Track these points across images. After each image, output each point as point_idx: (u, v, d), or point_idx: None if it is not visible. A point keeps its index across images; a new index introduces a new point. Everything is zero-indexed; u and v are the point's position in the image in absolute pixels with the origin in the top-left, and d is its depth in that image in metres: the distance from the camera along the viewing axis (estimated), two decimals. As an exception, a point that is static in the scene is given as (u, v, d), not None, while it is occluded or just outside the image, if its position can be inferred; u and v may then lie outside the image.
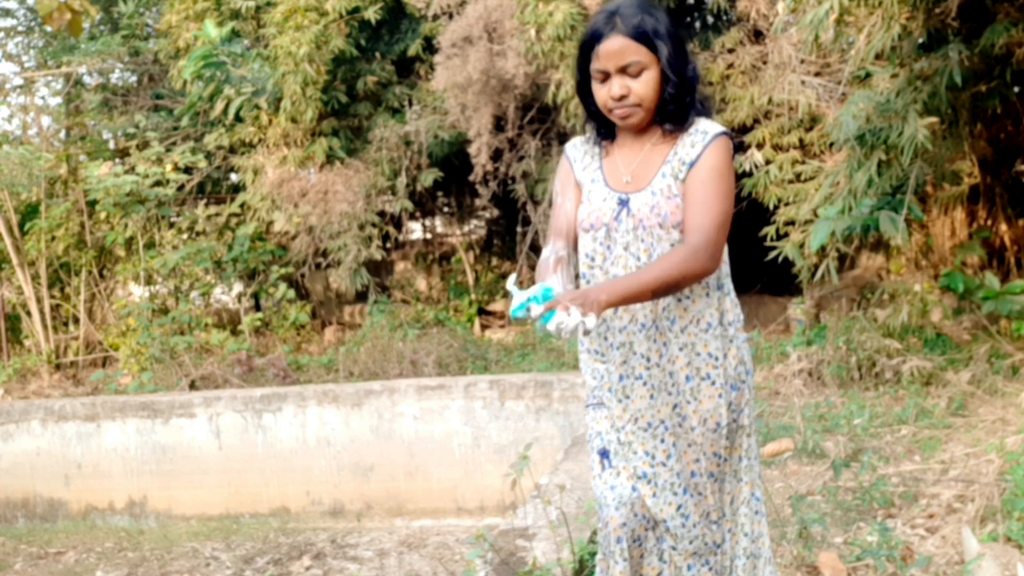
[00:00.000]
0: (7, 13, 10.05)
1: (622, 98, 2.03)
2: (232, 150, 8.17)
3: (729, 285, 2.16)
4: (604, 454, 2.16)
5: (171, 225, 8.51)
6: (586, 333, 1.87)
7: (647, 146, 2.11)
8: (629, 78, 2.02)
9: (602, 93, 2.06)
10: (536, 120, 7.46)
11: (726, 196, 2.03)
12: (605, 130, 2.17)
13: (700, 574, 2.16)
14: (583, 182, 2.18)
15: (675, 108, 2.06)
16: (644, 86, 2.02)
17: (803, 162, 6.10)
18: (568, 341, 1.92)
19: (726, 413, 2.12)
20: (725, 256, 2.15)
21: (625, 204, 2.09)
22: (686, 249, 1.97)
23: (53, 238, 8.38)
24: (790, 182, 6.10)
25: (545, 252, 2.17)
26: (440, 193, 9.93)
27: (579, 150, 2.22)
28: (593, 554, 2.85)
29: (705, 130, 2.06)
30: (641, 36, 2.00)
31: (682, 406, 2.12)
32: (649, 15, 2.02)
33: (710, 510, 2.16)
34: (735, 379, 2.14)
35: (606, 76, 2.04)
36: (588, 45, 2.06)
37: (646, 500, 2.11)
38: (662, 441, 2.12)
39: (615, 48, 2.01)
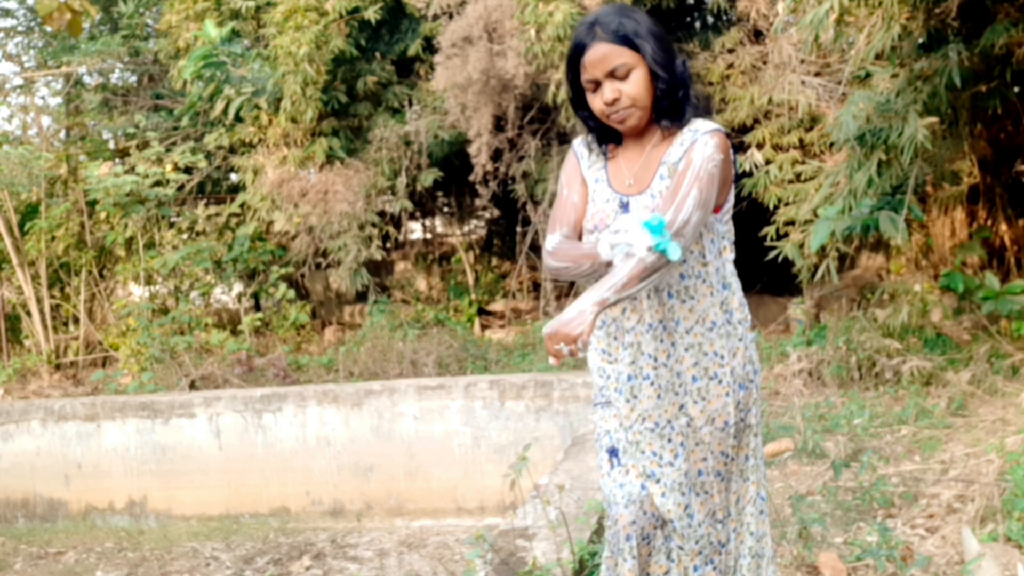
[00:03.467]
0: (7, 13, 10.05)
1: (615, 101, 2.05)
2: (232, 150, 8.17)
3: (736, 284, 2.17)
4: (613, 452, 2.17)
5: (171, 225, 8.51)
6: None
7: (648, 148, 2.12)
8: (618, 81, 2.04)
9: (596, 102, 2.08)
10: (536, 120, 7.46)
11: (709, 180, 1.99)
12: (610, 138, 2.17)
13: (705, 574, 2.16)
14: (589, 180, 2.19)
15: (669, 104, 2.07)
16: (634, 86, 2.04)
17: (803, 162, 6.10)
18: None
19: (734, 412, 2.13)
20: (729, 256, 2.15)
21: (626, 207, 2.10)
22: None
23: (53, 238, 8.38)
24: (790, 182, 6.10)
25: (554, 239, 2.13)
26: (440, 193, 9.93)
27: (586, 147, 2.23)
28: (593, 554, 2.85)
29: (696, 128, 2.08)
30: (622, 39, 2.03)
31: (689, 406, 2.12)
32: (628, 17, 2.05)
33: (716, 509, 2.16)
34: (743, 378, 2.14)
35: (597, 85, 2.06)
36: (574, 58, 2.08)
37: (655, 499, 2.12)
38: (669, 441, 2.12)
39: (600, 55, 2.03)
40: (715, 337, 2.11)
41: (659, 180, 2.08)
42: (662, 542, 2.15)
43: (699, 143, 2.04)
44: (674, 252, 1.88)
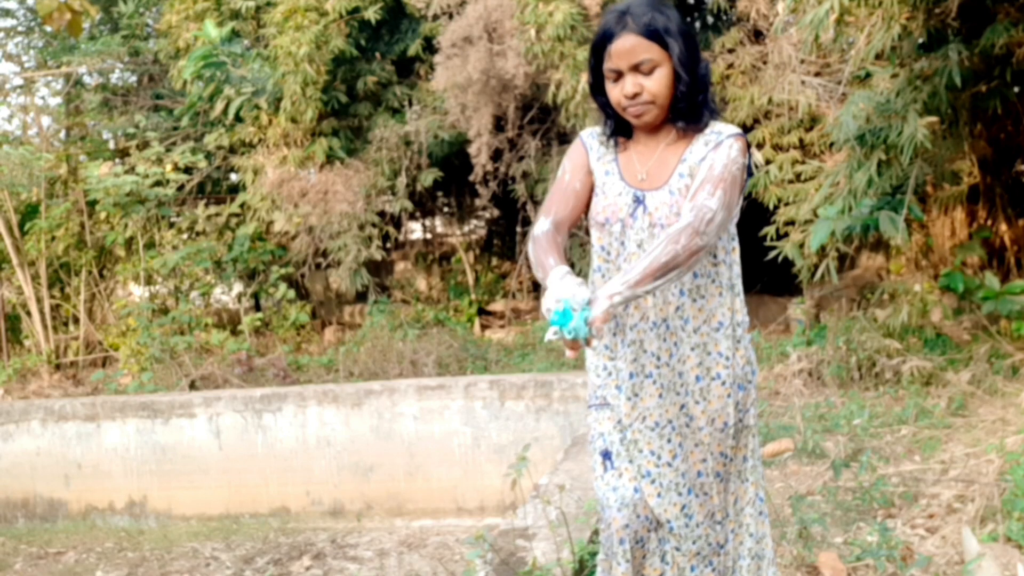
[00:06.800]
0: (7, 13, 10.05)
1: (635, 96, 2.02)
2: (232, 150, 8.17)
3: (740, 286, 2.17)
4: (606, 455, 2.15)
5: (171, 225, 8.51)
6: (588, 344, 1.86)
7: (662, 145, 2.11)
8: (642, 76, 2.02)
9: (615, 92, 2.06)
10: (536, 120, 7.46)
11: (733, 183, 2.01)
12: (621, 130, 2.16)
13: (703, 575, 2.16)
14: (597, 172, 2.17)
15: (687, 106, 2.06)
16: (657, 83, 2.02)
17: (803, 162, 6.10)
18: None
19: (733, 413, 2.12)
20: (736, 257, 2.15)
21: (641, 202, 2.08)
22: (688, 225, 1.92)
23: (53, 238, 8.38)
24: (790, 182, 6.10)
25: (543, 225, 2.11)
26: (440, 193, 9.93)
27: (595, 139, 2.20)
28: (593, 554, 2.85)
29: (720, 131, 2.08)
30: (652, 34, 2.00)
31: (690, 406, 2.11)
32: (660, 13, 2.02)
33: (715, 510, 2.16)
34: (742, 379, 2.14)
35: (619, 75, 2.04)
36: (600, 45, 2.06)
37: (649, 501, 2.11)
38: (668, 441, 2.11)
39: (627, 46, 2.01)
40: (721, 338, 2.10)
41: (678, 178, 2.06)
42: (656, 545, 2.14)
43: (724, 145, 2.04)
44: (574, 332, 1.81)
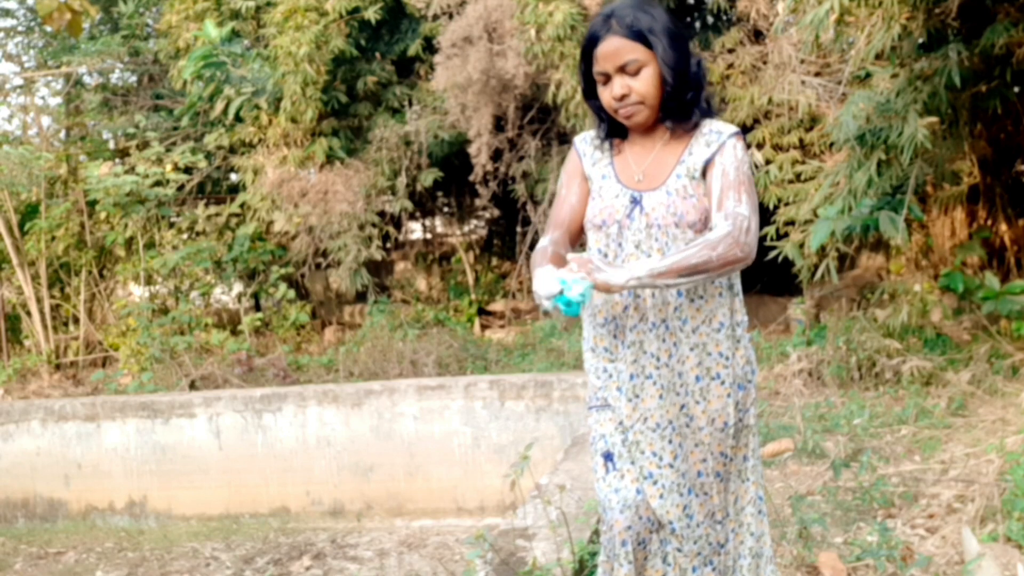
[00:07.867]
0: (7, 13, 10.05)
1: (624, 97, 2.04)
2: (232, 150, 8.17)
3: (739, 286, 2.17)
4: (608, 457, 2.15)
5: (171, 225, 8.51)
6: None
7: (658, 145, 2.12)
8: (629, 77, 2.04)
9: (606, 95, 2.08)
10: (536, 120, 7.46)
11: (751, 183, 2.05)
12: (616, 131, 2.17)
13: (704, 575, 2.16)
14: (592, 177, 2.18)
15: (676, 105, 2.07)
16: (644, 84, 2.03)
17: (803, 162, 6.10)
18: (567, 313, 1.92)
19: (733, 412, 2.12)
20: None
21: (638, 202, 2.09)
22: (728, 235, 1.94)
23: (53, 238, 8.38)
24: (790, 182, 6.10)
25: (543, 241, 2.15)
26: (440, 193, 9.93)
27: (589, 144, 2.22)
28: (593, 554, 2.85)
29: (720, 130, 2.09)
30: (636, 34, 2.02)
31: (690, 406, 2.11)
32: (644, 13, 2.03)
33: (715, 510, 2.16)
34: (742, 378, 2.14)
35: (607, 78, 2.06)
36: (587, 49, 2.08)
37: (651, 502, 2.10)
38: (669, 442, 2.11)
39: (612, 49, 2.03)
40: (722, 338, 2.11)
41: (676, 178, 2.08)
42: (658, 546, 2.14)
43: (728, 147, 2.06)
44: (571, 308, 1.90)
